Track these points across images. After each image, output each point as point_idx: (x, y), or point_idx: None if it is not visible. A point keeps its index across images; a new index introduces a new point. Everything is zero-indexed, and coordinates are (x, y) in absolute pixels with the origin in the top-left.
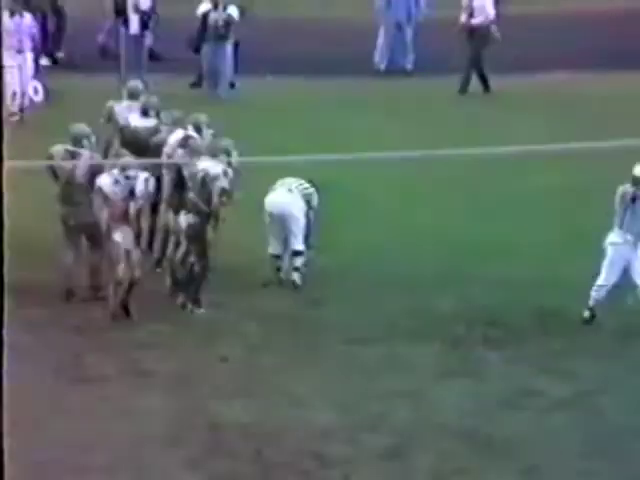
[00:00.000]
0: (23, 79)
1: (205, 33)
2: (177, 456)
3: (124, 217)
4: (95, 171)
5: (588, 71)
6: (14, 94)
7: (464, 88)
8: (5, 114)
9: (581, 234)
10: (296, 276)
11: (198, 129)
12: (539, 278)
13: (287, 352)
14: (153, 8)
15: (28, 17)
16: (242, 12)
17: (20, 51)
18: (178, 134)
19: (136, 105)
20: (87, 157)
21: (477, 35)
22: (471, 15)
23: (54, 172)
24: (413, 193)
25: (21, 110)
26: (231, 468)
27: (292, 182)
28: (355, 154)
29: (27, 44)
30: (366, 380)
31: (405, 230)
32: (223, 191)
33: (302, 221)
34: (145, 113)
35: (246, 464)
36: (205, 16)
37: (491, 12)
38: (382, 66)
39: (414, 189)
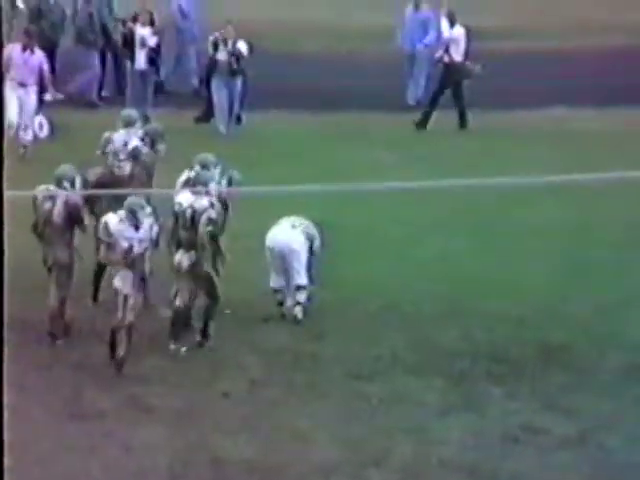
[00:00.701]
0: (25, 113)
1: (214, 68)
2: None
3: (125, 259)
4: (72, 211)
5: (588, 107)
6: (9, 125)
7: (424, 123)
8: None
9: (584, 268)
10: (298, 310)
11: (206, 168)
12: (543, 313)
13: (289, 387)
14: (159, 44)
15: (38, 52)
16: (251, 48)
17: (23, 84)
18: (182, 176)
19: (134, 131)
20: (63, 197)
21: (453, 69)
22: (446, 50)
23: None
24: (416, 227)
25: (24, 146)
26: None
27: (295, 220)
28: (352, 185)
29: (32, 78)
30: (369, 415)
31: (407, 264)
32: (209, 221)
33: (304, 257)
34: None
35: None
36: (214, 49)
37: (461, 47)
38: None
39: (416, 223)
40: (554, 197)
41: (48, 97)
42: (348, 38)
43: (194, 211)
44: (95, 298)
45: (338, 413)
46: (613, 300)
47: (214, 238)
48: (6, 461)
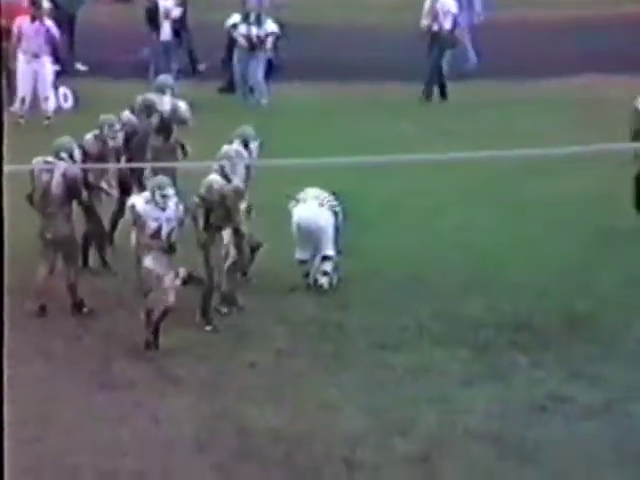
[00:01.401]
0: (40, 84)
1: (234, 46)
2: (207, 461)
3: (156, 239)
4: (70, 183)
5: (618, 74)
6: (23, 99)
7: (429, 93)
8: (12, 118)
9: (608, 238)
10: (324, 280)
11: (245, 143)
12: (568, 283)
13: (315, 357)
14: (184, 16)
15: (48, 23)
16: (281, 25)
17: (37, 56)
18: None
19: (166, 99)
20: (62, 168)
21: (440, 40)
22: (435, 19)
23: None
24: (439, 198)
25: (47, 117)
26: (260, 473)
27: (319, 195)
28: (377, 157)
29: (45, 49)
30: (394, 385)
31: (433, 235)
32: (236, 190)
33: (330, 231)
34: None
35: (275, 469)
36: (234, 28)
37: (453, 13)
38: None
39: (440, 194)
40: (581, 166)
41: (79, 66)
42: (371, 10)
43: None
44: (85, 263)
45: (364, 383)
46: (639, 269)
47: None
48: (35, 430)
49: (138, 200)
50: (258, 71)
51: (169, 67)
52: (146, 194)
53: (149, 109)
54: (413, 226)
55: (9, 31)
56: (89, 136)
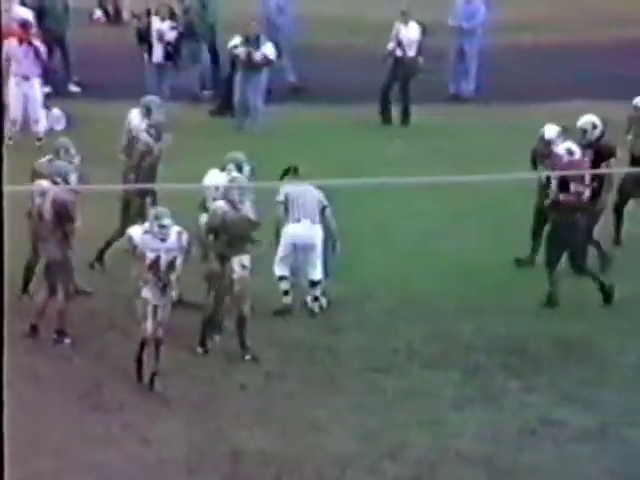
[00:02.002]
0: (30, 106)
1: (235, 67)
2: None
3: (154, 270)
4: (60, 208)
5: (605, 100)
6: (14, 121)
7: (387, 118)
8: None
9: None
10: (316, 305)
11: (239, 167)
12: (561, 306)
13: (306, 379)
14: (179, 39)
15: (37, 44)
16: (279, 51)
17: (27, 78)
18: (221, 177)
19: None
20: (52, 193)
21: (404, 66)
22: (399, 44)
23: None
24: (433, 220)
25: (38, 139)
26: None
27: (314, 210)
28: (367, 179)
29: (35, 71)
30: (385, 408)
31: (425, 257)
32: (252, 224)
33: (320, 249)
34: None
35: None
36: (235, 49)
37: (418, 40)
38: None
39: (434, 216)
40: None
41: (73, 88)
42: (363, 31)
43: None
44: (25, 290)
45: (354, 405)
46: (631, 294)
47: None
48: (24, 452)
49: (136, 230)
50: (257, 94)
51: (161, 89)
52: (146, 224)
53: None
54: (405, 248)
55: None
56: (43, 160)
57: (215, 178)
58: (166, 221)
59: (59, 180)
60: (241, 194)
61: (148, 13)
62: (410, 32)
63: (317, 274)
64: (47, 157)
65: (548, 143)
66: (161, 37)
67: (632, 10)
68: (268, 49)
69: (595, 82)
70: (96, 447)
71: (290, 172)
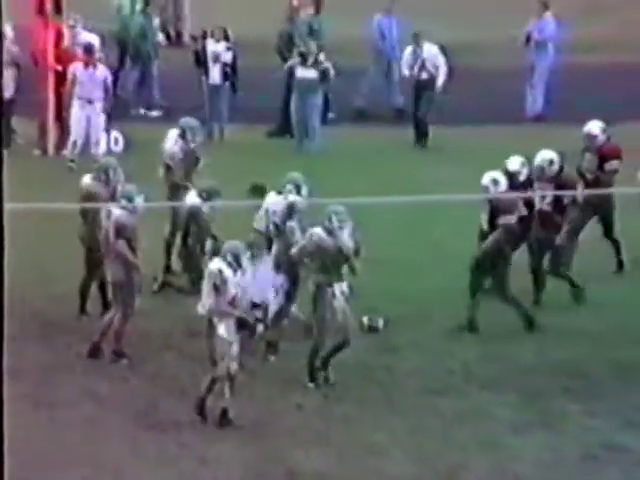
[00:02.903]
0: (92, 129)
1: (291, 87)
2: None
3: (232, 306)
4: (120, 229)
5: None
6: (74, 143)
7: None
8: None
9: None
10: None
11: (298, 187)
12: (619, 329)
13: (362, 400)
14: (234, 60)
15: (102, 68)
16: (337, 69)
17: (90, 101)
18: (279, 201)
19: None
20: (115, 214)
21: (423, 87)
22: (422, 68)
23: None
24: None
25: (96, 161)
26: None
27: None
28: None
29: (98, 95)
30: (443, 430)
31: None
32: (339, 248)
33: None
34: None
35: None
36: (292, 70)
37: (442, 64)
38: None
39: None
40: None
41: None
42: None
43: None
44: (83, 310)
45: (412, 428)
46: None
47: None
48: (83, 471)
49: (222, 264)
50: (314, 114)
51: (220, 110)
52: (225, 257)
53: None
54: (461, 269)
55: (64, 76)
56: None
57: (273, 201)
58: (242, 256)
59: (124, 202)
60: (340, 221)
61: (204, 35)
62: (425, 53)
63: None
64: (90, 176)
65: (511, 176)
66: (217, 58)
67: None
68: (328, 66)
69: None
70: (153, 466)
71: (257, 191)
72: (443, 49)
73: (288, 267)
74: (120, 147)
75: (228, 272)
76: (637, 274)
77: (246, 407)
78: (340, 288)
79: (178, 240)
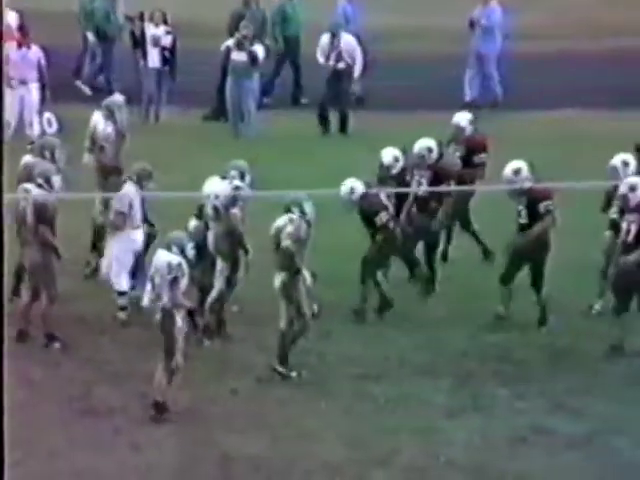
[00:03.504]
0: (26, 110)
1: (226, 70)
2: None
3: (186, 297)
4: (40, 211)
5: (600, 109)
6: (8, 123)
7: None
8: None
9: (590, 272)
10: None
11: (242, 174)
12: (550, 314)
13: (296, 385)
14: (174, 44)
15: (35, 48)
16: (268, 50)
17: (24, 82)
18: (223, 185)
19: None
20: (37, 194)
21: (344, 76)
22: (338, 59)
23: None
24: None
25: (31, 142)
26: None
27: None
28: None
29: (32, 75)
30: (376, 415)
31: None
32: (288, 236)
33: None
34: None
35: None
36: (228, 52)
37: (359, 56)
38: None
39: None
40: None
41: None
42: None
43: (275, 231)
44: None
45: (345, 413)
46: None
47: (290, 255)
48: (15, 455)
49: (173, 256)
50: (249, 98)
51: (159, 93)
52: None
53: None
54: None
55: None
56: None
57: (217, 186)
58: (187, 247)
59: (41, 182)
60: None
61: (141, 17)
62: (343, 44)
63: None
64: (29, 157)
65: (387, 168)
66: (156, 42)
67: (628, 18)
68: (259, 49)
69: (590, 91)
70: (86, 452)
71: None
72: (359, 39)
73: (227, 252)
74: (54, 129)
75: (184, 264)
76: (564, 261)
77: (181, 392)
78: (306, 274)
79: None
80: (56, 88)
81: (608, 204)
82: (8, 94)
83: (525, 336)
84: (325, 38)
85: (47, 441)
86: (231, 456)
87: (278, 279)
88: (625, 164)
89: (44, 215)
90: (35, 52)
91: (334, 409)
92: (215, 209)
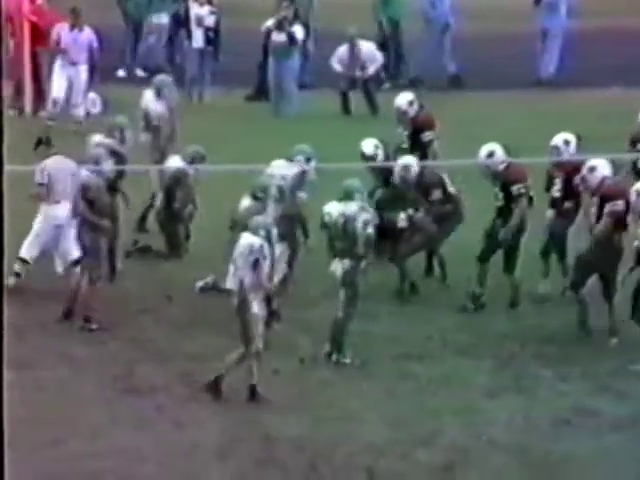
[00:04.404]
0: (73, 91)
1: (267, 51)
2: (228, 468)
3: (269, 281)
4: (86, 190)
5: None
6: (54, 101)
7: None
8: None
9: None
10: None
11: (308, 159)
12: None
13: (339, 366)
14: (218, 24)
15: (87, 31)
16: (307, 30)
17: (74, 63)
18: (292, 168)
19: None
20: (80, 175)
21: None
22: (363, 67)
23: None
24: (468, 208)
25: (76, 122)
26: None
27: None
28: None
29: (82, 57)
30: (418, 396)
31: (459, 247)
32: (365, 225)
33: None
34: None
35: (298, 478)
36: (269, 33)
37: (380, 58)
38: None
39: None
40: None
41: (139, 72)
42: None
43: (346, 219)
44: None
45: (388, 393)
46: None
47: (370, 243)
48: (58, 434)
49: (258, 239)
50: (290, 78)
51: (203, 74)
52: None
53: None
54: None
55: (47, 36)
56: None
57: (284, 167)
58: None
59: (117, 134)
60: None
61: None
62: (363, 54)
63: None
64: (100, 136)
65: (369, 159)
66: (200, 22)
67: None
68: (298, 30)
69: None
70: (128, 430)
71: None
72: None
73: (288, 235)
74: (98, 109)
75: (266, 247)
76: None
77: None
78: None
79: (157, 203)
80: (104, 69)
81: (550, 183)
82: (58, 73)
83: (568, 317)
84: (343, 49)
85: (89, 420)
86: (273, 437)
87: (340, 266)
88: (566, 143)
89: (87, 195)
90: (87, 34)
91: (376, 390)
92: (281, 190)
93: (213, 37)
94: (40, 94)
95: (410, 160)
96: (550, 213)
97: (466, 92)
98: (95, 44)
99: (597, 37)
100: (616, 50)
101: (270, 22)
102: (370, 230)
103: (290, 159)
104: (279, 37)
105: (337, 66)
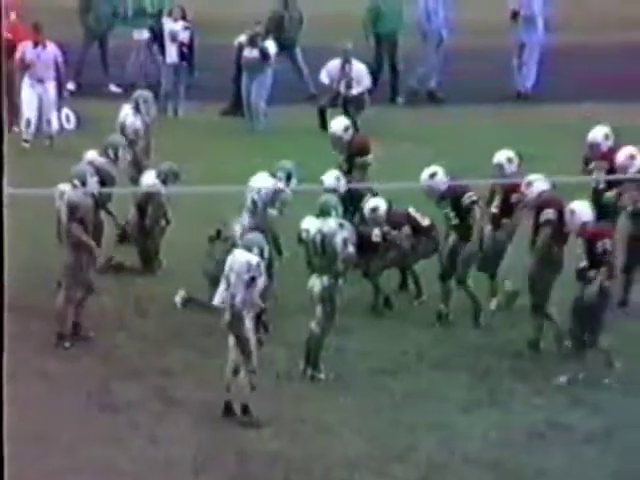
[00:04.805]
0: (44, 108)
1: (240, 66)
2: None
3: (261, 298)
4: (72, 210)
5: (614, 103)
6: (28, 121)
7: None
8: (18, 140)
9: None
10: None
11: (288, 176)
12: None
13: (314, 381)
14: (192, 39)
15: (51, 46)
16: (281, 47)
17: (40, 80)
18: (267, 181)
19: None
20: (66, 195)
21: (354, 102)
22: (349, 86)
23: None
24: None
25: (50, 137)
26: None
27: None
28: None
29: (49, 73)
30: (393, 411)
31: (432, 261)
32: (345, 243)
33: None
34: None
35: None
36: (241, 48)
37: (368, 82)
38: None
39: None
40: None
41: (113, 88)
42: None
43: (324, 236)
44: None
45: (363, 408)
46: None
47: (351, 261)
48: (34, 450)
49: (252, 256)
50: (260, 93)
51: (177, 89)
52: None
53: None
54: None
55: (12, 50)
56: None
57: (263, 181)
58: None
59: (77, 183)
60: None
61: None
62: (354, 72)
63: None
64: (94, 153)
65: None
66: (174, 38)
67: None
68: (270, 45)
69: (603, 85)
70: (104, 446)
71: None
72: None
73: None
74: (72, 125)
75: (263, 265)
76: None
77: (198, 387)
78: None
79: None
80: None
81: (491, 199)
82: (26, 92)
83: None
84: (335, 63)
85: (65, 435)
86: (249, 451)
87: (319, 282)
88: (509, 160)
89: (75, 214)
90: (52, 49)
91: (351, 405)
92: (253, 203)
93: (187, 52)
94: (13, 110)
95: (378, 202)
96: (489, 229)
97: (443, 106)
98: (60, 59)
99: (574, 52)
100: (590, 66)
101: (242, 38)
102: (351, 249)
103: (273, 175)
104: (252, 53)
105: (326, 79)
